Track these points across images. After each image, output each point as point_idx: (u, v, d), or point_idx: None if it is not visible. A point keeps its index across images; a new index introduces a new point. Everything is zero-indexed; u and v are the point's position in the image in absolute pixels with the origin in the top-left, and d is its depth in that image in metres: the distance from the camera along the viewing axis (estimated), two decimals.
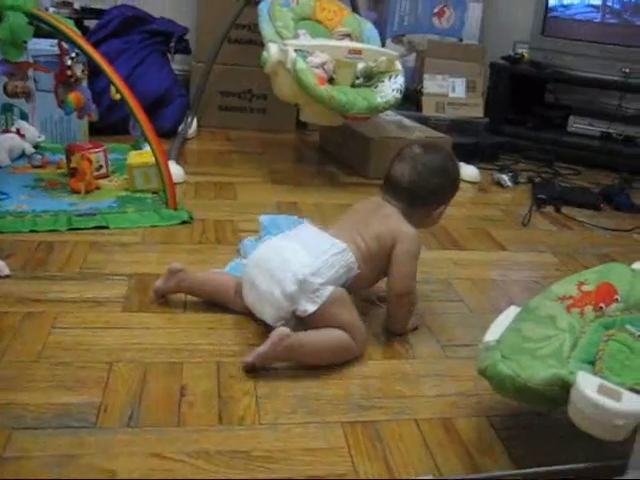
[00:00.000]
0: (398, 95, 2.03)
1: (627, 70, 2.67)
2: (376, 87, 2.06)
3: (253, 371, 1.10)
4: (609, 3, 2.74)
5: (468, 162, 2.41)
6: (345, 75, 2.03)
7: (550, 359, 0.93)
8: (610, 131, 2.84)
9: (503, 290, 1.53)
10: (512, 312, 1.06)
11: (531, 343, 0.96)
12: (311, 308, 1.14)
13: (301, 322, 1.16)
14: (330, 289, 1.15)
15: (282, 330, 1.11)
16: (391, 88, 2.03)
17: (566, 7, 2.80)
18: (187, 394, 1.03)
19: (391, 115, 2.50)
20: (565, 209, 2.17)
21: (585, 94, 3.15)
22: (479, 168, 2.42)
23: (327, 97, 1.89)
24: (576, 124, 2.90)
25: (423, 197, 1.29)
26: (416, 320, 1.31)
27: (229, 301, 1.28)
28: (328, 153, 2.52)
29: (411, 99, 2.76)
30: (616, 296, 1.06)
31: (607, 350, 0.97)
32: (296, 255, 1.17)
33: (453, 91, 2.79)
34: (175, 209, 1.74)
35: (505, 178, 2.37)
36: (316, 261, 1.16)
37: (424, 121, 2.64)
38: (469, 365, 1.15)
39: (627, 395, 0.78)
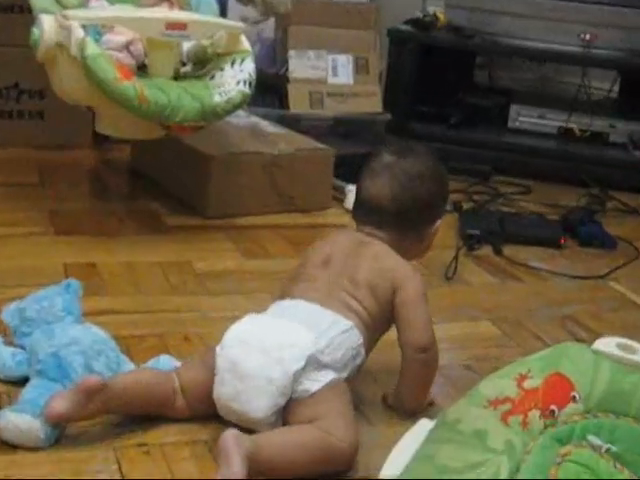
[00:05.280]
0: (247, 90, 2.08)
1: (587, 37, 2.82)
2: (212, 78, 2.10)
3: None
4: None
5: None
6: (163, 61, 2.06)
7: None
8: (571, 125, 2.98)
9: None
10: (422, 429, 1.10)
11: (451, 475, 1.00)
12: (314, 387, 1.26)
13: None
14: (332, 375, 1.29)
15: (232, 432, 1.14)
16: (236, 79, 2.07)
17: None
18: None
19: (242, 116, 2.54)
20: (509, 249, 2.25)
21: (532, 72, 3.31)
22: None
23: (136, 98, 1.90)
24: (521, 117, 3.04)
25: (415, 215, 1.47)
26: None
27: (168, 403, 1.30)
28: (144, 180, 2.54)
29: (271, 89, 2.81)
30: (573, 393, 1.12)
31: (560, 476, 1.02)
32: (298, 331, 1.31)
33: (334, 75, 2.87)
34: None
35: None
36: (320, 339, 1.30)
37: (293, 122, 2.70)
38: None
39: None
